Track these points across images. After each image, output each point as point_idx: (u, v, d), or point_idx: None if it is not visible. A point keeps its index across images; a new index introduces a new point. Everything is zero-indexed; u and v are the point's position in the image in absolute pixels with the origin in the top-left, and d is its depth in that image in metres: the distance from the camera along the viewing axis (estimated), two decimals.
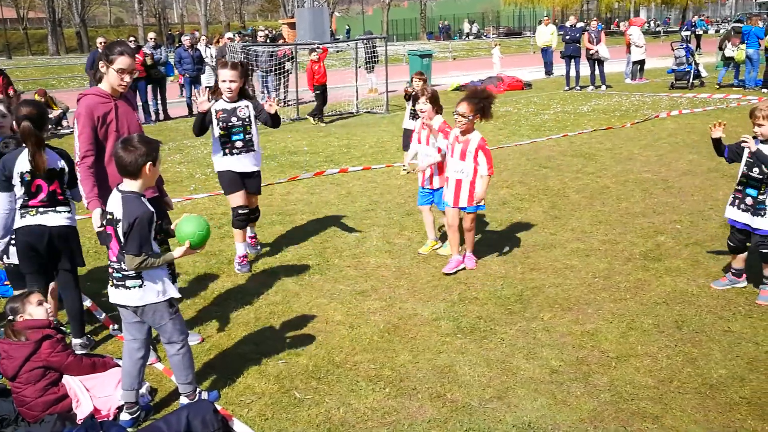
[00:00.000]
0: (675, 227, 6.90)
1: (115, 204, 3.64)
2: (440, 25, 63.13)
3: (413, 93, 9.26)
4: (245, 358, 4.53)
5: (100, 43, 15.76)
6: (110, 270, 3.77)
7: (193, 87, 16.99)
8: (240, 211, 6.01)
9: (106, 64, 4.42)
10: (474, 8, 71.42)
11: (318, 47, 16.44)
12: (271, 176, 10.02)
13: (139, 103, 16.26)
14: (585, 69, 19.68)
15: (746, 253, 5.33)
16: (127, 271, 3.63)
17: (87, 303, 5.38)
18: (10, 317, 3.92)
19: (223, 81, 5.72)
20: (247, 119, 5.85)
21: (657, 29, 54.02)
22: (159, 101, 16.75)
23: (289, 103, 18.11)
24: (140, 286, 3.68)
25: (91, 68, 15.45)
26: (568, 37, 19.08)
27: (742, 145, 5.09)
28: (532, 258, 6.21)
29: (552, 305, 5.18)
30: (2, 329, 4.04)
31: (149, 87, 16.41)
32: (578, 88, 19.31)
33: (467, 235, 6.04)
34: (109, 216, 3.68)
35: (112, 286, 3.77)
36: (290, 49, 18.23)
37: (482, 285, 5.61)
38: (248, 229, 6.38)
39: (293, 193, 8.95)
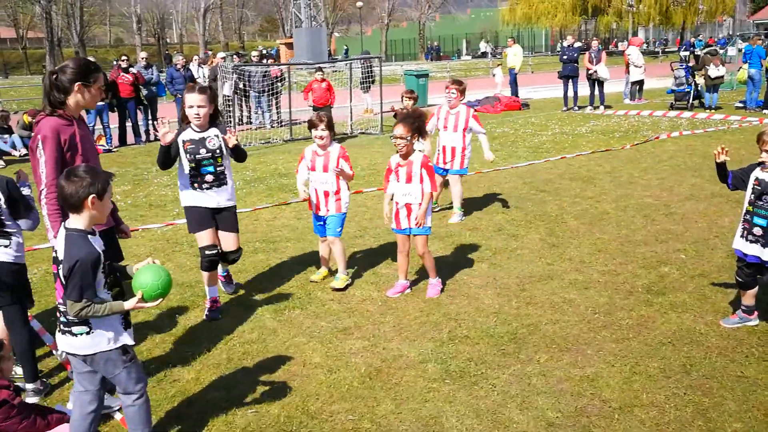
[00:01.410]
0: (679, 257, 6.53)
1: (59, 242, 3.28)
2: (429, 46, 63.19)
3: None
4: (213, 406, 4.13)
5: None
6: (57, 313, 3.39)
7: None
8: (207, 252, 5.36)
9: (84, 85, 4.02)
10: (473, 28, 71.71)
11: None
12: (258, 200, 9.67)
13: (129, 124, 15.98)
14: (583, 89, 19.40)
15: (757, 288, 4.95)
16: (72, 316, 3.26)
17: (48, 341, 5.00)
18: None
19: (191, 107, 5.06)
20: (217, 150, 5.16)
21: (656, 49, 54.00)
22: (150, 121, 16.45)
23: (283, 123, 17.79)
24: (88, 333, 3.31)
25: None
26: (565, 57, 18.80)
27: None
28: (527, 291, 5.83)
29: (549, 345, 4.79)
30: None
31: (140, 107, 16.16)
32: (576, 108, 19.02)
33: (425, 261, 5.88)
34: (54, 254, 3.32)
35: (59, 331, 3.41)
36: (281, 70, 17.96)
37: (474, 322, 5.22)
38: (219, 267, 5.72)
39: (279, 218, 8.58)
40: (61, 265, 3.23)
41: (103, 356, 3.36)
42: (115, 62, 16.11)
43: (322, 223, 6.07)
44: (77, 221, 3.25)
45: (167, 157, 5.10)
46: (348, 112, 17.31)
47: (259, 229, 8.12)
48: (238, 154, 5.22)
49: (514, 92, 21.93)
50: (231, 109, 14.98)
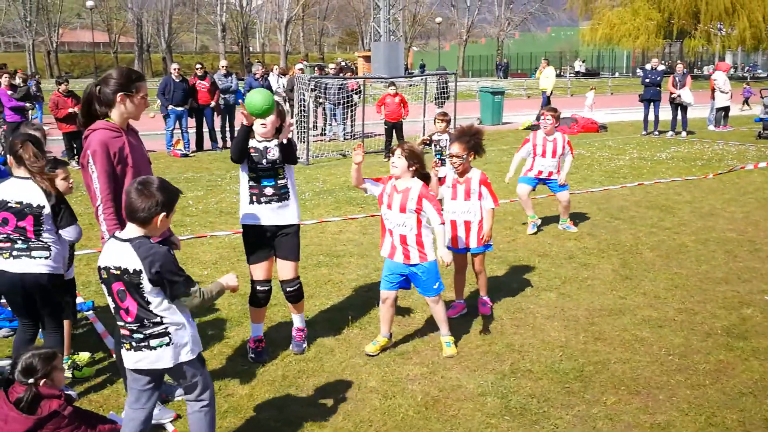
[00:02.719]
0: (764, 299, 6.11)
1: (121, 255, 3.19)
2: (497, 63, 62.29)
3: (429, 139, 9.32)
4: (264, 426, 4.06)
5: (175, 69, 15.87)
6: (124, 332, 3.31)
7: None
8: (260, 288, 4.89)
9: (127, 95, 3.91)
10: (551, 47, 70.70)
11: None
12: (325, 212, 9.66)
13: (206, 129, 16.33)
14: (665, 113, 18.74)
15: None
16: (149, 329, 3.22)
17: (110, 344, 5.06)
18: (29, 379, 3.39)
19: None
20: (277, 161, 4.76)
21: (744, 74, 51.93)
22: (228, 128, 16.78)
23: (356, 136, 17.86)
24: (168, 344, 3.25)
25: (163, 93, 15.58)
26: (648, 80, 18.21)
27: None
28: (597, 325, 5.55)
29: (617, 386, 4.52)
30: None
31: (219, 114, 16.51)
32: (657, 133, 18.38)
33: (480, 279, 5.76)
34: (114, 272, 3.21)
35: (130, 349, 3.29)
36: (357, 83, 18.05)
37: (538, 355, 4.99)
38: (296, 316, 5.10)
39: (345, 233, 8.53)
40: (139, 276, 3.15)
41: (185, 365, 3.33)
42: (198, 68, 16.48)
43: (400, 275, 4.94)
44: (137, 231, 3.22)
45: (244, 143, 4.70)
46: (421, 126, 17.23)
47: (324, 242, 8.09)
48: (287, 153, 4.77)
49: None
50: (306, 118, 15.13)
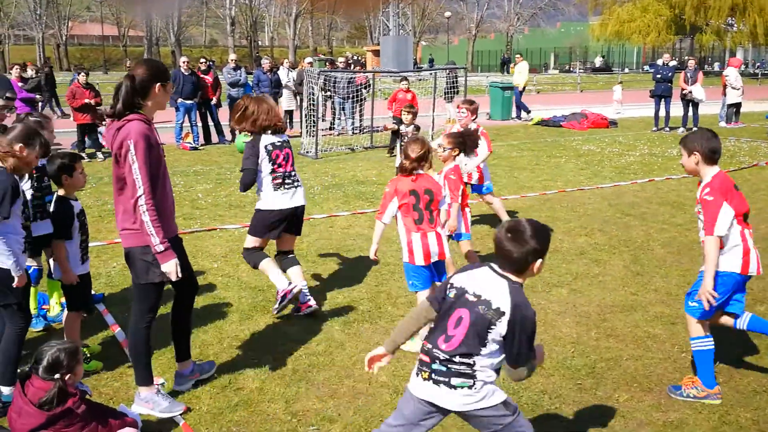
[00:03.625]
0: None
1: (491, 287, 2.90)
2: (503, 58, 61.50)
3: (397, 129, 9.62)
4: (274, 419, 4.05)
5: (184, 62, 15.86)
6: (424, 358, 3.00)
7: None
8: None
9: (163, 86, 3.93)
10: (561, 42, 70.43)
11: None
12: (334, 206, 9.64)
13: (211, 123, 16.34)
14: (676, 110, 18.61)
15: None
16: (457, 364, 2.90)
17: (120, 337, 5.06)
18: (55, 375, 3.37)
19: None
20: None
21: (755, 71, 51.57)
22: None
23: (364, 130, 17.83)
24: (470, 387, 2.91)
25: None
26: (659, 76, 18.08)
27: None
28: (609, 321, 5.52)
29: (630, 383, 4.49)
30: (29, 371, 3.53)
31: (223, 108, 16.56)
32: (668, 129, 18.27)
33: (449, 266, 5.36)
34: (470, 298, 2.91)
35: (426, 379, 2.97)
36: (366, 77, 18.00)
37: (550, 351, 4.96)
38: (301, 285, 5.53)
39: (354, 227, 8.51)
40: (499, 318, 2.85)
41: (484, 412, 2.95)
42: (205, 61, 16.50)
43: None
44: (515, 277, 2.95)
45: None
46: (430, 121, 17.17)
47: (333, 236, 8.07)
48: None
49: (521, 111, 21.67)
50: (315, 112, 15.10)
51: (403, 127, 9.73)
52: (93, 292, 5.94)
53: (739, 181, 11.14)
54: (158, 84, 3.91)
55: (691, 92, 17.70)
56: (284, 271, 5.60)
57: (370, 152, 14.94)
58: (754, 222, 8.53)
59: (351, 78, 17.76)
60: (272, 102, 5.64)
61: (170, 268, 3.83)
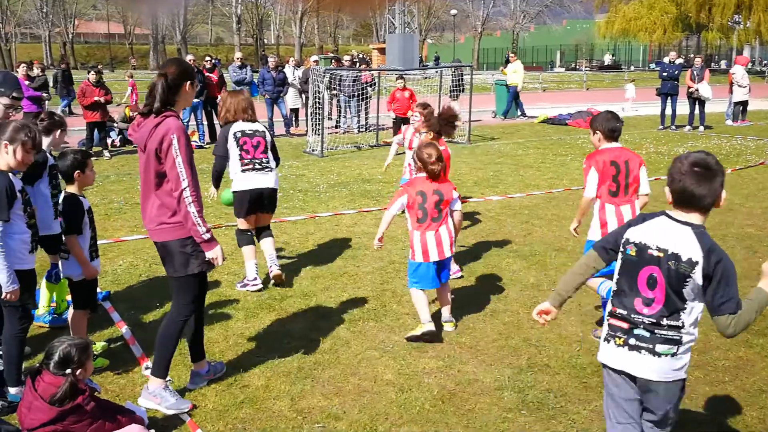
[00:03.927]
0: None
1: (674, 238, 2.73)
2: (506, 56, 61.28)
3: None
4: (280, 417, 4.06)
5: (191, 60, 15.88)
6: (620, 324, 2.87)
7: (275, 107, 17.16)
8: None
9: (191, 84, 4.08)
10: (567, 40, 70.26)
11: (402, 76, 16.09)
12: (340, 204, 9.65)
13: (204, 122, 16.32)
14: (682, 108, 18.55)
15: None
16: (663, 329, 2.75)
17: (126, 334, 5.07)
18: (66, 369, 3.39)
19: None
20: None
21: (762, 69, 51.38)
22: None
23: (370, 128, 17.83)
24: (673, 355, 2.75)
25: None
26: (665, 74, 18.03)
27: None
28: None
29: None
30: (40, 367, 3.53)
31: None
32: (674, 127, 18.22)
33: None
34: (656, 253, 2.77)
35: (622, 345, 2.84)
36: (371, 75, 18.00)
37: (555, 350, 4.96)
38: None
39: (360, 225, 8.51)
40: (682, 266, 2.69)
41: (668, 385, 2.82)
42: (209, 60, 16.51)
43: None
44: (696, 218, 2.76)
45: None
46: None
47: (339, 234, 8.08)
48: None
49: (521, 112, 21.63)
50: (321, 110, 15.11)
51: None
52: (99, 290, 5.97)
53: (745, 180, 11.21)
54: (187, 82, 4.06)
55: (697, 90, 17.65)
56: (259, 241, 6.33)
57: (376, 150, 14.93)
58: (760, 220, 8.55)
59: (356, 76, 17.77)
60: (241, 96, 6.21)
61: (216, 253, 3.99)
